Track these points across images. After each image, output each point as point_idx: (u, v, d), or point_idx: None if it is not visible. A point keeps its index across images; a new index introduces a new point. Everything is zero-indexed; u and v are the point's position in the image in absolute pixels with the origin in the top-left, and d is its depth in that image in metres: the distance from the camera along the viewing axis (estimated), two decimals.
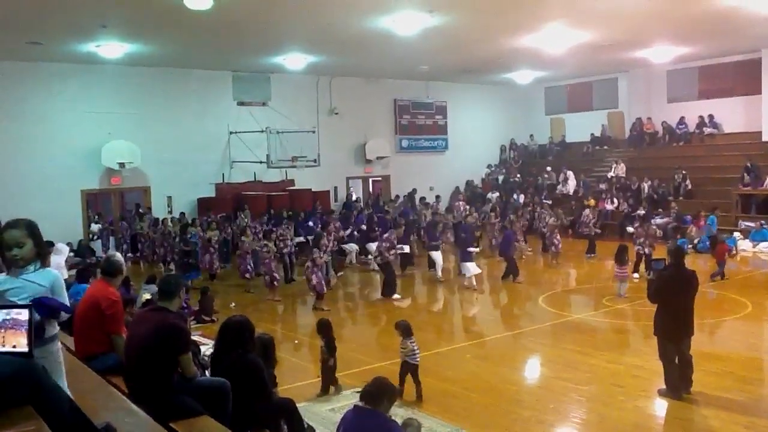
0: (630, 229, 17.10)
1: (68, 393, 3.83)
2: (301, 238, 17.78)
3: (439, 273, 15.52)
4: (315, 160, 20.54)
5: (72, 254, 16.59)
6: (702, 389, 7.62)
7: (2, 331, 3.46)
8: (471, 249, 14.60)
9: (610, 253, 16.75)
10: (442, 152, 26.85)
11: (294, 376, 8.04)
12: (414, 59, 20.35)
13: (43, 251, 3.99)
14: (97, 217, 20.36)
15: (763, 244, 18.09)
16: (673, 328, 7.50)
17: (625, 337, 10.81)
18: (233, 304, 13.32)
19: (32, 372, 3.41)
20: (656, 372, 7.85)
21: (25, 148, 18.07)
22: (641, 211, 19.45)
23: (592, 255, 17.85)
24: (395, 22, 14.59)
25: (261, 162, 20.44)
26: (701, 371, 7.81)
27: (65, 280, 8.04)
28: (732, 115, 22.86)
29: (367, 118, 24.40)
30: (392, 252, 14.27)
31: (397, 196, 24.10)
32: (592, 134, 26.42)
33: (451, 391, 8.13)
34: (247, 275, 14.85)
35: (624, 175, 23.57)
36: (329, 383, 7.93)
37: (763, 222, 18.62)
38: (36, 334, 3.58)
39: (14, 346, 3.45)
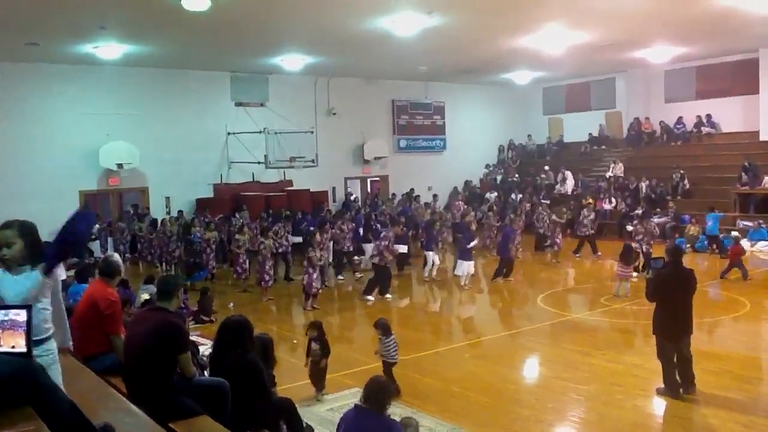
0: (630, 227, 17.13)
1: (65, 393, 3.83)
2: (299, 238, 17.74)
3: (427, 273, 15.47)
4: (313, 161, 20.54)
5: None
6: (701, 388, 7.63)
7: (0, 331, 3.47)
8: (470, 245, 14.62)
9: (609, 252, 16.80)
10: (441, 152, 26.85)
11: (293, 376, 8.03)
12: (412, 60, 20.36)
13: (36, 252, 3.96)
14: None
15: (761, 244, 18.12)
16: (672, 326, 7.51)
17: (624, 337, 10.81)
18: (232, 304, 13.30)
19: (31, 372, 3.41)
20: (655, 371, 7.86)
21: (24, 149, 18.06)
22: (639, 211, 19.47)
23: (581, 254, 17.88)
24: (394, 23, 14.59)
25: (259, 162, 20.43)
26: (700, 370, 7.81)
27: (63, 280, 8.07)
28: (730, 114, 22.90)
29: (365, 118, 24.39)
30: (390, 251, 14.20)
31: (394, 195, 24.09)
32: (590, 134, 26.45)
33: (450, 390, 8.14)
34: (243, 276, 14.82)
35: (622, 175, 23.61)
36: (322, 384, 7.90)
37: (761, 221, 18.64)
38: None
39: (12, 347, 3.45)
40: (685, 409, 7.34)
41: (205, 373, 5.75)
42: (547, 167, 26.00)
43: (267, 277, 13.88)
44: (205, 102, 21.03)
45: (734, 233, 16.02)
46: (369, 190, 25.97)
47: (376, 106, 24.92)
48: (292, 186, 22.22)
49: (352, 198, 23.83)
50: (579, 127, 26.61)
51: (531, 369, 9.55)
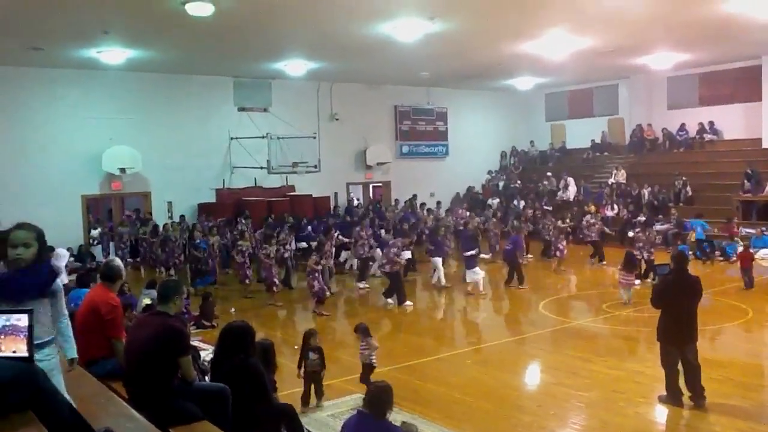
0: (631, 233, 17.14)
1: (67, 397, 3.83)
2: (304, 244, 17.80)
3: (437, 279, 15.45)
4: (315, 166, 20.54)
5: (72, 259, 16.62)
6: None
7: (2, 337, 3.46)
8: (472, 253, 14.63)
9: (611, 259, 16.78)
10: (443, 158, 26.87)
11: (294, 381, 8.01)
12: (415, 65, 20.39)
13: (43, 258, 3.99)
14: (96, 222, 20.38)
15: (763, 251, 18.03)
16: (675, 332, 7.50)
17: (626, 343, 10.79)
18: (233, 309, 13.31)
19: (33, 376, 3.41)
20: (657, 378, 7.84)
21: (27, 153, 18.10)
22: (642, 218, 19.47)
23: (594, 260, 17.86)
24: (396, 29, 14.62)
25: (261, 167, 20.44)
26: (702, 377, 7.78)
27: (65, 285, 8.07)
28: (732, 121, 22.88)
29: (367, 124, 24.43)
30: (401, 258, 14.28)
31: (397, 201, 24.11)
32: (592, 140, 26.44)
33: (452, 396, 8.13)
34: (247, 281, 14.84)
35: (624, 182, 23.58)
36: (320, 393, 7.85)
37: (763, 228, 18.58)
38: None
39: (14, 351, 3.45)
40: (687, 416, 7.31)
41: (206, 378, 5.75)
42: (549, 173, 25.97)
43: (277, 281, 14.01)
44: (208, 107, 21.07)
45: (737, 239, 16.05)
46: (371, 195, 26.00)
47: (378, 112, 24.96)
48: (294, 191, 22.26)
49: (355, 204, 23.85)
50: (581, 134, 26.61)
51: (533, 375, 9.53)
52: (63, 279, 10.32)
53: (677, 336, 7.51)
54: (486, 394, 8.20)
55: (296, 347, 10.74)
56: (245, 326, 5.66)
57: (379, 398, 4.90)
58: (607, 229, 19.00)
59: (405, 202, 23.81)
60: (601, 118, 26.47)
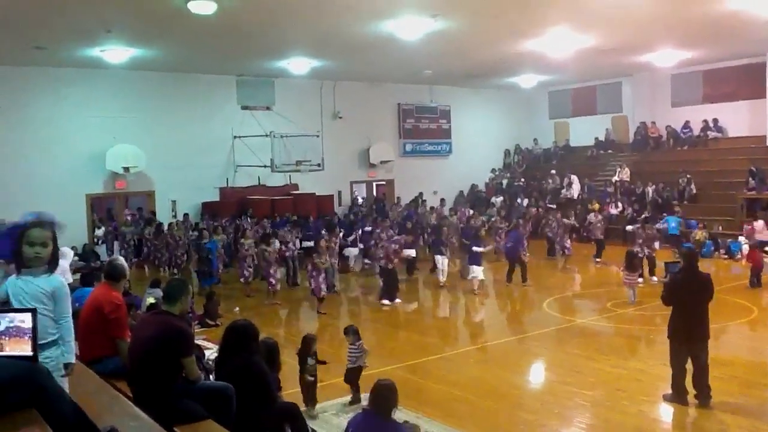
0: (629, 227, 17.09)
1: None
2: (310, 243, 17.81)
3: (442, 277, 15.47)
4: (319, 165, 20.56)
5: (77, 258, 16.63)
6: None
7: (5, 338, 3.46)
8: (477, 249, 14.61)
9: (614, 257, 16.74)
10: (446, 156, 26.85)
11: (298, 380, 8.01)
12: (418, 64, 20.37)
13: (56, 257, 4.03)
14: (99, 221, 20.41)
15: None
16: (684, 330, 7.49)
17: (630, 342, 10.78)
18: (237, 308, 13.32)
19: (36, 375, 3.41)
20: (660, 377, 7.84)
21: (31, 152, 18.12)
22: (646, 215, 19.44)
23: (599, 259, 17.84)
24: (399, 27, 14.61)
25: (265, 166, 20.45)
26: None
27: (69, 284, 8.07)
28: (736, 119, 22.80)
29: (370, 122, 24.42)
30: (399, 256, 14.22)
31: (399, 199, 24.09)
32: (596, 138, 26.38)
33: (455, 395, 8.13)
34: (248, 278, 14.82)
35: (628, 180, 23.54)
36: (314, 400, 7.81)
37: None
38: None
39: (18, 351, 3.45)
40: (691, 414, 7.31)
41: (210, 377, 5.75)
42: (553, 171, 25.93)
43: (273, 281, 13.93)
44: (211, 105, 21.09)
45: (741, 239, 15.94)
46: (375, 194, 25.99)
47: (381, 110, 24.95)
48: (297, 190, 22.27)
49: (359, 202, 23.82)
50: (585, 132, 26.56)
51: (536, 374, 9.53)
52: (68, 278, 10.34)
53: (686, 334, 7.50)
54: (488, 393, 8.20)
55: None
56: (248, 325, 5.65)
57: (384, 397, 4.91)
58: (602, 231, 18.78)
59: (410, 203, 23.72)
60: (605, 115, 26.39)
